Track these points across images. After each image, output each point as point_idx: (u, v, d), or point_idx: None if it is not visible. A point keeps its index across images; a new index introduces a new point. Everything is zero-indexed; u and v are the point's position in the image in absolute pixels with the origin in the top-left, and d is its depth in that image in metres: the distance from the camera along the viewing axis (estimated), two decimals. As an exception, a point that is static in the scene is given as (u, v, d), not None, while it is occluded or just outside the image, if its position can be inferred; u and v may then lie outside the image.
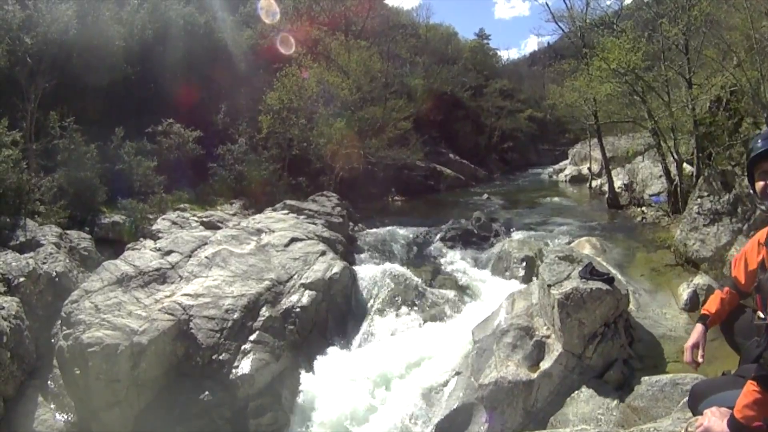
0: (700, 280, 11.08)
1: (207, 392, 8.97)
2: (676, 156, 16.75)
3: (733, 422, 2.61)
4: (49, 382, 9.55)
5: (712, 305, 3.62)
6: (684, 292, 10.96)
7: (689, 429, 3.11)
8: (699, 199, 12.82)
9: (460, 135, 41.93)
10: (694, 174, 15.87)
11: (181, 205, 17.42)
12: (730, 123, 15.33)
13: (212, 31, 27.08)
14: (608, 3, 32.03)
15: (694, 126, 15.68)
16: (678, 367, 8.36)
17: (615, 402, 7.60)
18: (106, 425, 8.71)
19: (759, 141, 3.04)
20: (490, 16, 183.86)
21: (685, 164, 17.08)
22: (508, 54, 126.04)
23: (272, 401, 9.21)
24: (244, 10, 32.86)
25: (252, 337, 9.65)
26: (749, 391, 2.55)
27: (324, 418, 9.07)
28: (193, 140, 20.48)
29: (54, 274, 10.92)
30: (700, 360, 3.45)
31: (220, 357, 9.25)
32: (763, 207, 3.19)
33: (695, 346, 3.49)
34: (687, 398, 3.64)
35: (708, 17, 16.09)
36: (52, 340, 9.94)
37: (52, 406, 9.23)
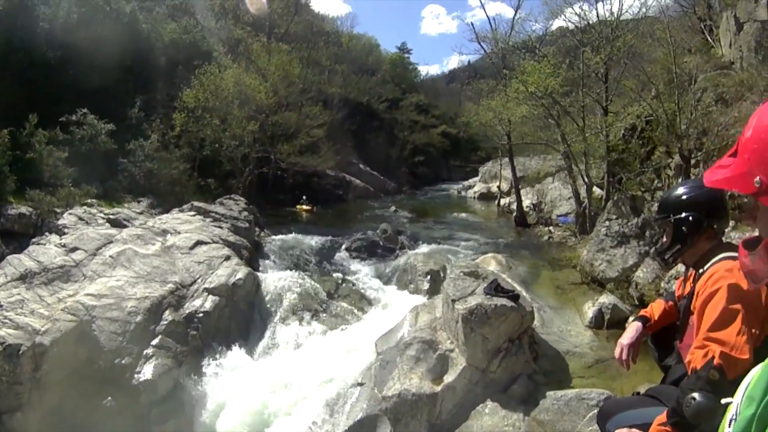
0: (606, 299, 11.29)
1: (110, 398, 8.99)
2: (586, 179, 17.16)
3: None
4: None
5: (655, 311, 3.55)
6: (589, 310, 11.19)
7: None
8: (607, 222, 13.16)
9: (372, 146, 42.22)
10: (604, 197, 16.36)
11: (89, 200, 17.05)
12: (642, 151, 15.76)
13: (136, 20, 26.49)
14: (534, 28, 32.84)
15: (606, 151, 16.20)
16: (583, 382, 8.69)
17: (520, 415, 7.76)
18: (9, 430, 8.58)
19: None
20: (416, 30, 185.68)
21: (595, 188, 17.54)
22: (428, 69, 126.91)
23: (175, 408, 9.31)
24: (171, 2, 32.36)
25: (154, 342, 9.70)
26: (660, 429, 2.61)
27: (226, 426, 9.16)
28: (106, 133, 20.03)
29: (-43, 266, 10.58)
30: (632, 362, 3.42)
31: (123, 361, 9.29)
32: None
33: (631, 345, 3.41)
34: (594, 412, 3.72)
35: (631, 49, 16.87)
36: (-46, 338, 9.64)
37: (-45, 407, 8.89)
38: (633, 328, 3.49)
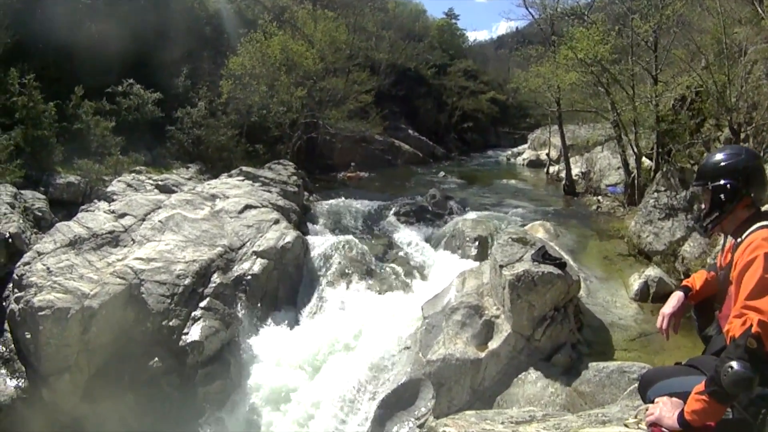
0: (652, 272, 11.27)
1: (156, 359, 9.04)
2: (635, 149, 16.96)
3: (682, 419, 2.68)
4: (0, 346, 9.34)
5: (697, 281, 3.55)
6: (635, 282, 11.16)
7: (639, 416, 3.21)
8: (656, 193, 13.01)
9: (421, 112, 41.78)
10: (653, 169, 16.12)
11: (137, 168, 17.17)
12: (692, 122, 15.54)
13: (180, -9, 26.50)
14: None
15: (656, 122, 15.87)
16: (626, 355, 8.66)
17: (562, 385, 7.76)
18: (56, 391, 8.69)
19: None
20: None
21: (644, 158, 17.27)
22: (476, 35, 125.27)
23: (221, 369, 9.34)
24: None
25: (202, 304, 9.74)
26: (698, 398, 2.61)
27: (272, 386, 9.22)
28: (153, 102, 20.23)
29: (7, 235, 10.60)
30: (673, 332, 3.43)
31: (170, 323, 9.33)
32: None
33: (673, 315, 3.43)
34: (635, 386, 3.68)
35: (680, 18, 16.38)
36: (4, 303, 9.77)
37: (3, 371, 9.04)
38: (675, 298, 3.51)
